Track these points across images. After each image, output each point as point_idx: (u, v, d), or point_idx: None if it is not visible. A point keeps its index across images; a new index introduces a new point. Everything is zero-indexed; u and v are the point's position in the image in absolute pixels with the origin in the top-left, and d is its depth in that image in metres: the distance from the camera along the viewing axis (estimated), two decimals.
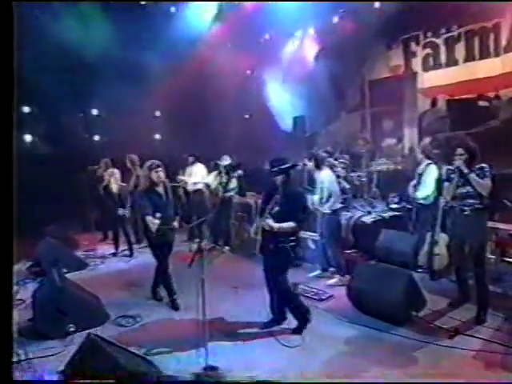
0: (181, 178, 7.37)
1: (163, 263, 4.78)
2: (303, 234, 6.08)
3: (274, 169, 3.83)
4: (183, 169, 7.63)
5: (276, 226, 3.72)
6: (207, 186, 7.25)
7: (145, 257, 6.10)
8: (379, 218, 6.44)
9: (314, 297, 4.88)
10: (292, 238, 3.81)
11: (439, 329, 3.97)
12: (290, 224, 3.75)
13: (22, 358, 3.79)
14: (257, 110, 11.73)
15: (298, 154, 8.85)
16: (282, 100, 10.75)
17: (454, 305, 4.46)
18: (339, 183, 7.00)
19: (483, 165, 4.00)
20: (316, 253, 6.03)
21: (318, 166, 5.44)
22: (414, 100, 9.00)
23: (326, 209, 5.32)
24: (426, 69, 8.98)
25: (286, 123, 10.96)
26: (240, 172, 6.95)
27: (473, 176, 3.94)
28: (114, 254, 6.92)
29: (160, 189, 4.70)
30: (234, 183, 6.98)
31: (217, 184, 7.00)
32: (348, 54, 9.05)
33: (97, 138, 12.43)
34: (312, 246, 6.10)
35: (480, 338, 3.78)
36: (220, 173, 7.01)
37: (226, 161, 7.09)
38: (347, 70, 9.38)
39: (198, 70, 11.02)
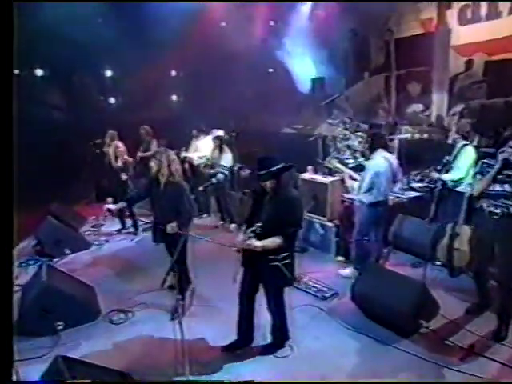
0: (184, 154, 6.81)
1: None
2: (311, 217, 5.60)
3: (262, 171, 3.04)
4: (188, 143, 7.10)
5: (258, 244, 2.97)
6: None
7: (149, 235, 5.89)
8: (397, 199, 5.73)
9: (317, 294, 4.42)
10: (284, 255, 3.08)
11: (451, 345, 3.47)
12: (276, 240, 3.00)
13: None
14: (276, 69, 10.91)
15: (316, 118, 8.19)
16: (302, 59, 9.80)
17: (471, 312, 3.91)
18: (355, 158, 6.41)
19: None
20: (325, 238, 5.53)
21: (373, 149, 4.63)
22: (446, 60, 7.81)
23: (364, 200, 4.64)
24: (462, 23, 7.71)
25: (305, 85, 10.08)
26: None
27: None
28: (120, 231, 6.64)
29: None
30: (227, 159, 6.38)
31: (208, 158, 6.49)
32: (372, 8, 7.88)
33: (112, 100, 12.04)
34: (320, 230, 5.57)
35: (498, 362, 3.25)
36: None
37: (217, 133, 6.49)
38: (371, 26, 8.23)
39: (217, 24, 10.24)
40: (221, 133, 6.53)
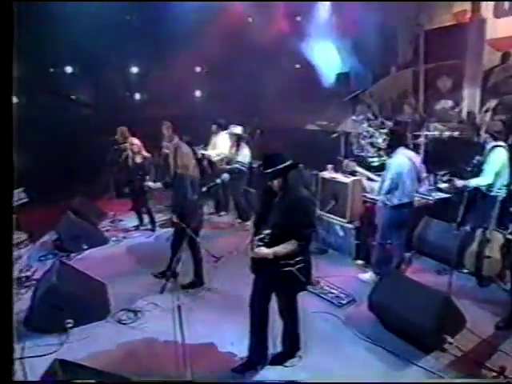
0: (202, 152, 6.62)
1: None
2: (331, 218, 5.31)
3: (268, 170, 2.79)
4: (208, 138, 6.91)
5: (267, 252, 2.72)
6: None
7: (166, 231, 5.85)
8: (422, 200, 5.31)
9: (333, 300, 4.13)
10: (298, 259, 2.79)
11: (478, 365, 3.12)
12: (287, 246, 2.74)
13: (18, 355, 3.59)
14: (301, 65, 10.57)
15: (341, 114, 7.81)
16: (327, 54, 9.41)
17: (503, 327, 3.52)
18: (379, 156, 6.04)
19: None
20: (344, 240, 5.22)
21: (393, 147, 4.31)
22: (480, 54, 7.25)
23: (387, 201, 4.29)
24: (498, 14, 7.14)
25: (330, 80, 9.69)
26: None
27: None
28: (137, 227, 6.54)
29: None
30: (243, 155, 6.18)
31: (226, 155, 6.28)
32: None
33: (138, 96, 12.05)
34: (340, 232, 5.26)
35: None
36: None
37: (234, 129, 6.25)
38: (399, 18, 7.75)
39: (243, 19, 10.05)
40: (238, 129, 6.30)
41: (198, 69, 12.05)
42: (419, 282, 3.61)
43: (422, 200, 5.18)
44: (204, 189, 3.61)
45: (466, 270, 4.42)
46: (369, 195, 5.22)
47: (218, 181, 3.26)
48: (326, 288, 4.37)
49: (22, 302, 4.26)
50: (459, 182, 4.41)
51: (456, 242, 4.31)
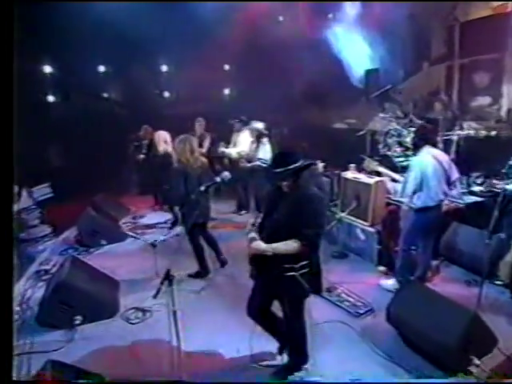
0: (223, 150, 6.42)
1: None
2: (352, 221, 4.96)
3: (279, 169, 2.55)
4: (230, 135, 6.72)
5: (267, 247, 2.51)
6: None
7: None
8: (452, 204, 4.85)
9: (350, 309, 3.81)
10: (302, 263, 2.54)
11: None
12: (290, 244, 2.48)
13: (26, 349, 3.54)
14: (328, 61, 10.19)
15: (369, 112, 7.41)
16: (356, 50, 8.98)
17: None
18: (406, 156, 5.61)
19: None
20: (366, 244, 4.87)
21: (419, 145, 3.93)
22: None
23: (411, 204, 3.93)
24: None
25: (359, 77, 9.25)
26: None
27: None
28: (156, 225, 6.45)
29: None
30: (264, 152, 5.92)
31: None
32: None
33: (167, 94, 12.07)
34: (362, 236, 4.90)
35: None
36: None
37: (255, 125, 6.02)
38: (433, 11, 7.20)
39: (274, 18, 9.83)
40: (260, 125, 6.06)
41: (226, 67, 11.94)
42: (443, 294, 3.22)
43: (451, 204, 4.73)
44: (202, 188, 3.40)
45: (499, 282, 3.97)
46: (393, 197, 4.83)
47: (218, 179, 3.05)
48: (343, 295, 4.06)
49: (38, 295, 4.24)
50: (496, 183, 3.95)
51: (489, 250, 3.86)
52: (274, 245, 2.52)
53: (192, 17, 9.23)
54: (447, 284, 4.20)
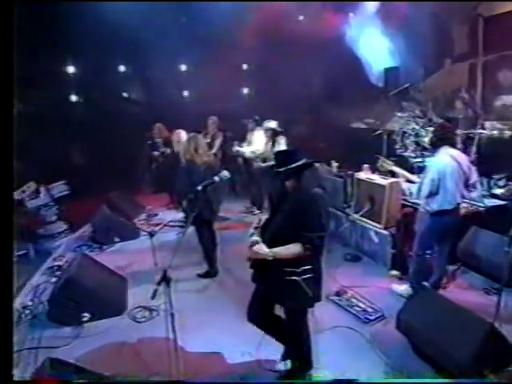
0: (237, 148, 6.33)
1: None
2: (365, 223, 4.79)
3: (281, 168, 2.46)
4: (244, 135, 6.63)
5: (269, 251, 2.40)
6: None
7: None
8: (471, 207, 4.61)
9: (360, 315, 3.65)
10: (306, 268, 2.44)
11: None
12: (292, 247, 2.38)
13: (34, 344, 3.56)
14: (347, 59, 9.96)
15: (388, 111, 7.18)
16: (375, 48, 8.71)
17: None
18: (424, 156, 5.38)
19: None
20: (379, 248, 4.68)
21: (437, 145, 3.70)
22: None
23: (426, 207, 3.73)
24: None
25: (378, 75, 8.98)
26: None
27: None
28: (169, 223, 6.43)
29: None
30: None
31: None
32: None
33: (186, 93, 12.09)
34: (375, 239, 4.72)
35: None
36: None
37: (269, 124, 5.87)
38: (455, 7, 6.87)
39: (293, 17, 9.69)
40: (273, 123, 5.94)
41: (244, 66, 11.86)
42: (458, 303, 3.03)
43: (470, 207, 4.49)
44: (199, 187, 3.32)
45: None
46: (409, 199, 4.63)
47: (216, 178, 2.97)
48: (354, 300, 3.90)
49: (50, 290, 4.26)
50: None
51: (509, 256, 3.62)
52: (276, 249, 2.42)
53: (210, 16, 9.19)
54: (464, 291, 3.99)
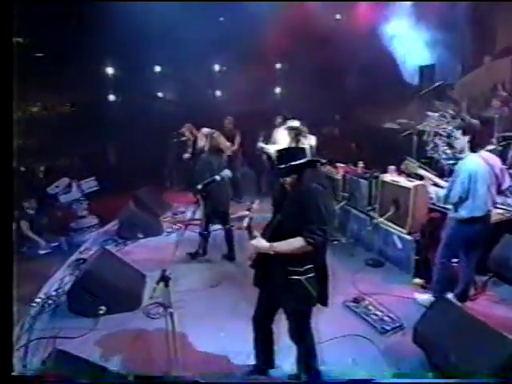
0: (261, 145, 6.23)
1: None
2: (389, 227, 4.54)
3: (282, 165, 2.39)
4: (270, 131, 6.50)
5: (268, 245, 2.33)
6: None
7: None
8: (504, 214, 4.22)
9: (376, 324, 3.44)
10: (308, 267, 2.35)
11: None
12: (293, 242, 2.27)
13: (47, 334, 3.64)
14: (380, 56, 9.60)
15: (422, 111, 6.83)
16: (411, 46, 8.32)
17: None
18: (456, 158, 5.02)
19: None
20: (403, 254, 4.42)
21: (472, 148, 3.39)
22: None
23: (455, 214, 3.46)
24: None
25: (413, 75, 8.58)
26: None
27: None
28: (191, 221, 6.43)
29: None
30: None
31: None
32: None
33: (218, 93, 12.15)
34: (399, 244, 4.46)
35: None
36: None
37: (292, 124, 5.71)
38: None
39: (331, 17, 9.49)
40: (296, 123, 5.78)
41: (278, 65, 11.75)
42: (483, 316, 2.76)
43: (503, 214, 4.13)
44: (199, 186, 3.25)
45: None
46: (437, 203, 4.32)
47: (217, 177, 2.89)
48: (371, 308, 3.70)
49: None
50: None
51: None
52: (277, 243, 2.33)
53: (245, 16, 9.14)
54: (494, 305, 3.68)
